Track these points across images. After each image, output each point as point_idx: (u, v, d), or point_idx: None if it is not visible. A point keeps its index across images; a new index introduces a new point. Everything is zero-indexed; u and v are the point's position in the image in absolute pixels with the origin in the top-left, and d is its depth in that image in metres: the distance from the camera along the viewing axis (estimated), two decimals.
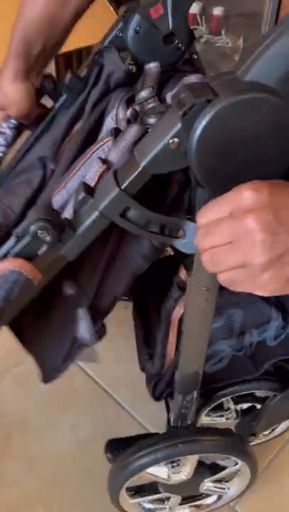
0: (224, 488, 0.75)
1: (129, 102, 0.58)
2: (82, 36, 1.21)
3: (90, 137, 0.58)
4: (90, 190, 0.43)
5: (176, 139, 0.37)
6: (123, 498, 0.71)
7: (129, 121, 0.54)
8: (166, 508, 0.76)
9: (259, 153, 0.38)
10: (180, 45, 0.63)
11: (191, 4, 0.63)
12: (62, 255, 0.44)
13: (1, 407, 0.90)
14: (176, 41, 0.62)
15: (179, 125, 0.36)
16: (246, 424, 0.73)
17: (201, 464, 0.70)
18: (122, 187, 0.40)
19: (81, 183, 0.44)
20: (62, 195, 0.52)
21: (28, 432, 0.87)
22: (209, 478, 0.72)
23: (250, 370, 0.67)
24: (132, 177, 0.40)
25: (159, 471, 0.68)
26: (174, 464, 0.67)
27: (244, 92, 0.35)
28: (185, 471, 0.68)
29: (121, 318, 0.72)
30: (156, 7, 0.60)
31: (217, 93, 0.35)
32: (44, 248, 0.44)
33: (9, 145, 0.64)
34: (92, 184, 0.45)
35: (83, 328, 0.52)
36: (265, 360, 0.67)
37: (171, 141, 0.37)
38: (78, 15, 0.61)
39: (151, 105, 0.54)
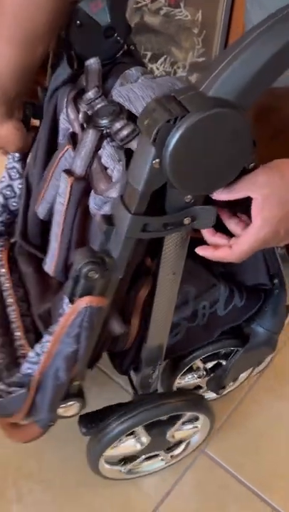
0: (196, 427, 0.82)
1: (75, 99, 0.60)
2: None
3: (51, 139, 0.61)
4: (109, 221, 0.48)
5: (156, 160, 0.40)
6: (103, 467, 0.77)
7: (82, 126, 0.57)
8: (147, 464, 0.82)
9: (222, 156, 0.43)
10: (119, 38, 0.64)
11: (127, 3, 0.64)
12: (113, 278, 0.52)
13: None
14: (116, 34, 0.64)
15: (153, 150, 0.40)
16: (216, 379, 0.81)
17: (156, 422, 0.75)
18: (133, 211, 0.45)
19: (101, 217, 0.49)
20: (44, 207, 0.55)
21: None
22: (170, 430, 0.78)
23: (204, 338, 0.75)
24: (136, 201, 0.44)
25: (128, 446, 0.75)
26: (133, 436, 0.74)
27: (209, 108, 0.39)
28: (144, 437, 0.75)
29: None
30: (96, 2, 0.61)
31: (186, 110, 0.39)
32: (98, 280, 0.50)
33: (22, 175, 0.70)
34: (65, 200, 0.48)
35: None
36: (216, 328, 0.75)
37: (154, 162, 0.40)
38: (46, 54, 0.62)
39: (99, 105, 0.57)
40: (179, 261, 0.55)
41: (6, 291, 0.75)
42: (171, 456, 0.82)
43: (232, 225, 0.50)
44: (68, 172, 0.54)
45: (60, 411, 0.64)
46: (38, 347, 0.60)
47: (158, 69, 1.48)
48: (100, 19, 0.62)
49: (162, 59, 1.45)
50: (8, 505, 0.79)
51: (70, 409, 0.65)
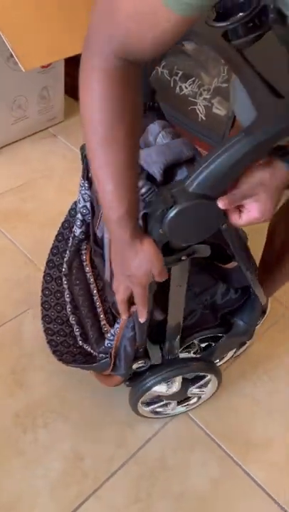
0: (202, 391, 1.10)
1: None
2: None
3: None
4: None
5: (160, 231, 0.66)
6: (141, 409, 1.06)
7: None
8: (169, 409, 1.11)
9: (200, 225, 0.69)
10: (145, 100, 0.87)
11: (151, 73, 0.87)
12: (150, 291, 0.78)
13: None
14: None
15: (158, 225, 0.66)
16: (206, 356, 1.08)
17: (184, 379, 1.04)
18: None
19: None
20: (100, 230, 0.81)
21: None
22: (192, 387, 1.07)
23: (211, 321, 1.01)
24: None
25: (161, 389, 1.02)
26: (168, 383, 1.01)
27: (189, 201, 0.64)
28: (175, 386, 1.03)
29: None
30: None
31: (174, 201, 0.64)
32: None
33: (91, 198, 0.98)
34: None
35: None
36: (217, 313, 1.01)
37: (160, 231, 0.67)
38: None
39: None
40: (182, 278, 0.82)
41: (92, 284, 1.05)
42: (188, 405, 1.12)
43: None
44: None
45: (134, 366, 0.94)
46: (112, 330, 0.91)
47: (186, 88, 1.70)
48: None
49: (191, 80, 1.67)
50: (37, 428, 1.08)
51: (140, 365, 0.95)
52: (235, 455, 1.09)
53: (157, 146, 0.83)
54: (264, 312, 1.31)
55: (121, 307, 0.79)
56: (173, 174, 0.80)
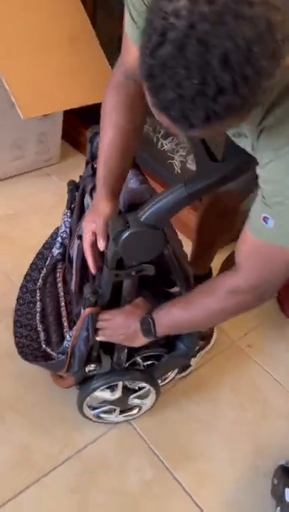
0: (143, 402, 1.24)
1: (92, 189, 1.06)
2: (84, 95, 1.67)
3: (80, 208, 1.09)
4: (100, 270, 0.97)
5: (115, 248, 0.86)
6: (86, 410, 1.20)
7: None
8: (112, 416, 1.24)
9: (145, 247, 0.88)
10: None
11: None
12: (102, 297, 0.98)
13: None
14: None
15: (113, 244, 0.86)
16: (148, 371, 1.21)
17: (126, 388, 1.19)
18: (108, 268, 0.93)
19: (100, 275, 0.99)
20: (72, 253, 1.03)
21: None
22: (132, 396, 1.21)
23: (155, 341, 1.15)
24: (110, 263, 0.93)
25: (104, 394, 1.17)
26: (111, 389, 1.16)
27: (139, 227, 0.85)
28: (117, 393, 1.17)
29: None
30: None
31: (128, 226, 0.84)
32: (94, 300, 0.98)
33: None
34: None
35: None
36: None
37: (115, 248, 0.87)
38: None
39: None
40: (131, 293, 1.00)
41: (61, 297, 1.24)
42: (129, 415, 1.26)
43: None
44: (80, 237, 1.01)
45: (86, 369, 1.09)
46: (70, 332, 1.08)
47: (166, 144, 1.95)
48: None
49: (170, 138, 1.92)
50: None
51: (91, 368, 1.10)
52: (167, 462, 1.22)
53: (125, 189, 1.04)
54: (208, 339, 1.47)
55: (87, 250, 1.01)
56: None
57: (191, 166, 1.89)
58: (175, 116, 0.56)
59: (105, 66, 1.78)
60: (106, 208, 0.97)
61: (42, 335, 1.23)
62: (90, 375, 1.13)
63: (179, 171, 1.94)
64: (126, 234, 0.85)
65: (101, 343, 1.07)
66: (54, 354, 1.16)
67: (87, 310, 0.99)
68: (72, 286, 1.16)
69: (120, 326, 1.00)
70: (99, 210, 0.97)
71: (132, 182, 1.06)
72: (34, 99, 1.59)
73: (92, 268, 1.02)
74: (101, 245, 0.97)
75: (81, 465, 1.18)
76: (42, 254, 1.37)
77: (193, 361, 1.42)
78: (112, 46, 1.94)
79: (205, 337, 1.45)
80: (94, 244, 1.00)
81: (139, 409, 1.27)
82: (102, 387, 1.14)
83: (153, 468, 1.21)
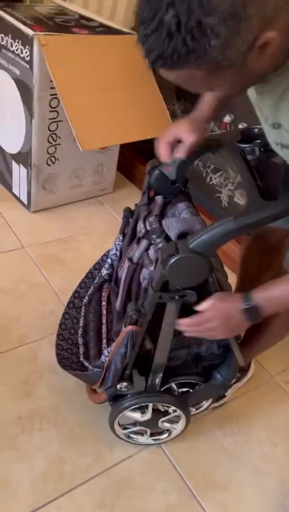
0: (172, 427, 1.27)
1: (146, 217, 1.14)
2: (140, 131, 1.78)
3: (133, 233, 1.19)
4: (145, 291, 1.04)
5: (163, 271, 0.93)
6: (117, 429, 1.25)
7: (143, 236, 1.11)
8: (142, 438, 1.29)
9: (190, 273, 0.94)
10: (179, 185, 1.17)
11: (188, 168, 1.15)
12: (144, 316, 1.04)
13: None
14: (177, 184, 1.17)
15: (162, 266, 0.92)
16: (181, 396, 1.25)
17: (156, 410, 1.23)
18: (154, 289, 1.00)
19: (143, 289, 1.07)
20: (122, 272, 1.13)
21: None
22: (162, 419, 1.24)
23: (192, 368, 1.21)
24: (155, 284, 0.99)
25: (135, 415, 1.22)
26: (142, 410, 1.21)
27: (187, 253, 0.91)
28: (148, 414, 1.22)
29: None
30: (169, 167, 1.14)
31: (177, 251, 0.91)
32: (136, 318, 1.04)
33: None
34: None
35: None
36: (200, 363, 1.21)
37: (162, 271, 0.93)
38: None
39: (154, 226, 1.10)
40: (173, 316, 1.05)
41: (104, 315, 1.33)
42: (158, 439, 1.30)
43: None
44: (130, 259, 1.10)
45: (118, 386, 1.15)
46: (109, 348, 1.16)
47: (215, 178, 2.02)
48: (170, 175, 1.15)
49: (219, 173, 1.99)
50: (33, 431, 1.29)
51: (123, 386, 1.15)
52: (194, 489, 1.24)
53: (178, 218, 1.11)
54: (244, 371, 1.48)
55: None
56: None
57: (239, 200, 1.94)
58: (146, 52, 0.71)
59: (161, 104, 1.90)
60: (187, 127, 1.09)
61: (81, 349, 1.30)
62: (121, 392, 1.18)
63: (226, 205, 1.99)
64: (174, 258, 0.91)
65: (135, 363, 1.13)
66: (90, 367, 1.22)
67: (129, 328, 1.05)
68: (117, 305, 1.23)
69: (221, 323, 1.01)
70: (187, 123, 1.10)
71: (184, 213, 1.13)
72: (93, 133, 1.72)
73: (162, 155, 1.12)
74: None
75: (108, 482, 1.22)
76: (91, 274, 1.46)
77: (228, 392, 1.43)
78: (170, 86, 2.06)
79: (242, 370, 1.46)
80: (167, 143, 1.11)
81: (169, 434, 1.30)
82: (132, 407, 1.19)
83: (178, 493, 1.23)
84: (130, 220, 1.28)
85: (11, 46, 1.73)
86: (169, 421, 1.26)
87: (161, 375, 1.17)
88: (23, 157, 1.94)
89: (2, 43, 1.78)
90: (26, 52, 1.66)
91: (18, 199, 2.10)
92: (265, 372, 1.58)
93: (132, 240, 1.22)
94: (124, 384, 1.16)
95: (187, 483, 1.25)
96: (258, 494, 1.26)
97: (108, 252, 1.41)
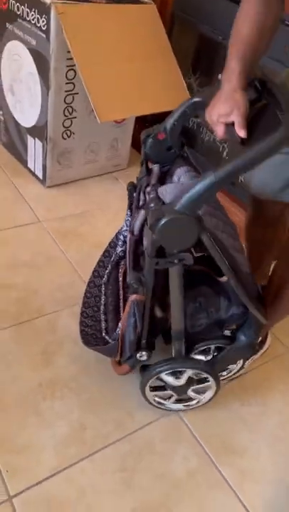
0: (200, 396, 1.30)
1: (145, 188, 1.13)
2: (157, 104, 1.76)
3: (136, 206, 1.17)
4: (143, 260, 1.02)
5: (153, 236, 0.93)
6: (148, 392, 1.27)
7: (141, 206, 1.10)
8: (169, 403, 1.29)
9: (181, 234, 0.93)
10: (175, 150, 1.15)
11: (180, 129, 1.11)
12: (146, 285, 1.03)
13: None
14: (173, 150, 1.15)
15: (150, 232, 0.92)
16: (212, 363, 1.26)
17: (190, 379, 1.24)
18: (149, 255, 0.99)
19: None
20: (136, 225, 1.13)
21: None
22: (193, 387, 1.26)
23: (215, 332, 1.22)
24: (150, 251, 0.99)
25: (168, 378, 1.23)
26: (177, 375, 1.22)
27: (173, 215, 0.90)
28: (182, 380, 1.23)
29: None
30: (160, 133, 1.12)
31: (163, 214, 0.90)
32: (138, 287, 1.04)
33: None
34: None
35: None
36: (223, 325, 1.21)
37: (153, 236, 0.93)
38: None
39: (152, 195, 1.06)
40: (178, 281, 1.05)
41: (120, 290, 1.35)
42: (187, 405, 1.32)
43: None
44: (132, 232, 1.10)
45: (138, 356, 1.17)
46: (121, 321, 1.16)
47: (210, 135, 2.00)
48: (164, 142, 1.13)
49: None
50: (54, 399, 1.31)
51: (142, 356, 1.17)
52: (212, 455, 1.26)
53: (174, 184, 1.10)
54: (261, 343, 1.49)
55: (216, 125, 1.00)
56: None
57: None
58: None
59: (178, 77, 1.88)
60: (243, 97, 0.96)
61: (103, 325, 1.31)
62: (143, 362, 1.20)
63: (242, 180, 1.98)
64: (161, 222, 0.90)
65: (150, 332, 1.13)
66: (110, 340, 1.24)
67: (133, 297, 1.05)
68: (128, 279, 1.24)
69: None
70: (236, 99, 0.96)
71: (182, 178, 1.10)
72: (110, 105, 1.70)
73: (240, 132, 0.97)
74: (242, 133, 0.95)
75: (129, 447, 1.24)
76: (108, 252, 1.47)
77: (245, 364, 1.45)
78: (186, 59, 2.03)
79: (260, 342, 1.47)
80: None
81: (198, 402, 1.32)
82: (166, 372, 1.21)
83: (198, 459, 1.25)
84: (134, 194, 1.28)
85: (27, 16, 1.71)
86: (198, 391, 1.28)
87: (183, 341, 1.17)
88: (38, 131, 1.93)
89: (18, 13, 1.75)
90: (43, 21, 1.64)
91: (34, 174, 2.10)
92: (280, 345, 1.59)
93: (137, 205, 1.22)
94: (144, 353, 1.17)
95: (206, 449, 1.27)
96: (274, 462, 1.28)
97: (121, 229, 1.42)
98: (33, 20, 1.68)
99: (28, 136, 2.00)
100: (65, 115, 1.87)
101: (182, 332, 1.16)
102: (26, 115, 1.96)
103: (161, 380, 1.25)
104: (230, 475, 1.23)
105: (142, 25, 1.78)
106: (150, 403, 1.31)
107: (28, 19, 1.71)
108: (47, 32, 1.64)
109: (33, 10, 1.67)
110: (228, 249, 1.01)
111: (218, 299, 1.23)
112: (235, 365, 1.37)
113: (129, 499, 1.15)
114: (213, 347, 1.26)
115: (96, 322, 1.34)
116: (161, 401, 1.31)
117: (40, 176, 2.05)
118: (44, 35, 1.66)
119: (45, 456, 1.19)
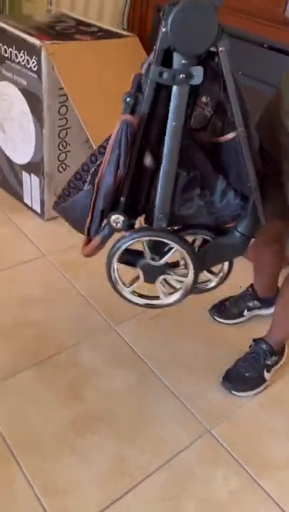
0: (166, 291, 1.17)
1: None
2: None
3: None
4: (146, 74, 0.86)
5: (164, 29, 0.81)
6: (114, 263, 1.14)
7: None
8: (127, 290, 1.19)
9: (196, 30, 0.81)
10: None
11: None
12: (141, 104, 0.88)
13: None
14: None
15: (163, 22, 0.80)
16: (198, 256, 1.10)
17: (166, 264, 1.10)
18: (154, 63, 0.86)
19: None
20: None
21: None
22: (165, 274, 1.13)
23: (206, 217, 1.05)
24: (156, 56, 0.84)
25: (147, 251, 1.09)
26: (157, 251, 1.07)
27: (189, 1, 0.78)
28: (162, 260, 1.09)
29: None
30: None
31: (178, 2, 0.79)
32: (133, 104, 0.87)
33: None
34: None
35: None
36: (215, 213, 1.04)
37: (163, 29, 0.81)
38: None
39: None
40: (179, 113, 0.89)
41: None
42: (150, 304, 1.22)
43: None
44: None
45: (112, 219, 1.00)
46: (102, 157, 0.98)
47: None
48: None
49: None
50: (89, 434, 1.31)
51: (118, 220, 1.02)
52: (252, 472, 1.28)
53: None
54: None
55: None
56: None
57: None
58: None
59: None
60: None
61: (85, 185, 1.21)
62: (118, 229, 1.06)
63: None
64: (177, 8, 0.76)
65: (130, 190, 0.98)
66: (85, 187, 1.08)
67: (123, 117, 0.89)
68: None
69: None
70: None
71: None
72: (104, 135, 1.73)
73: None
74: None
75: (169, 475, 1.25)
76: (95, 157, 1.31)
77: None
78: None
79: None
80: None
81: (161, 301, 1.20)
82: (145, 239, 1.09)
83: (238, 477, 1.26)
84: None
85: (16, 57, 1.74)
86: (168, 282, 1.17)
87: (167, 213, 1.02)
88: (34, 166, 1.95)
89: (6, 55, 1.79)
90: (33, 62, 1.67)
91: (31, 208, 2.11)
92: None
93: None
94: (120, 217, 1.02)
95: (244, 467, 1.29)
96: None
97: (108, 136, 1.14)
98: (22, 61, 1.72)
99: (24, 173, 2.02)
100: (59, 149, 1.90)
101: (168, 200, 1.00)
102: (19, 152, 1.98)
103: (135, 254, 1.11)
104: (272, 489, 1.24)
105: (126, 57, 1.83)
106: (109, 279, 1.21)
107: (17, 61, 1.74)
108: (38, 72, 1.67)
109: (22, 52, 1.70)
110: (242, 92, 0.90)
111: (215, 180, 1.03)
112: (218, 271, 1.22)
113: None
114: (199, 239, 1.12)
115: (75, 188, 1.21)
116: (119, 280, 1.19)
117: (39, 210, 2.07)
118: (36, 76, 1.69)
119: (88, 493, 1.19)
